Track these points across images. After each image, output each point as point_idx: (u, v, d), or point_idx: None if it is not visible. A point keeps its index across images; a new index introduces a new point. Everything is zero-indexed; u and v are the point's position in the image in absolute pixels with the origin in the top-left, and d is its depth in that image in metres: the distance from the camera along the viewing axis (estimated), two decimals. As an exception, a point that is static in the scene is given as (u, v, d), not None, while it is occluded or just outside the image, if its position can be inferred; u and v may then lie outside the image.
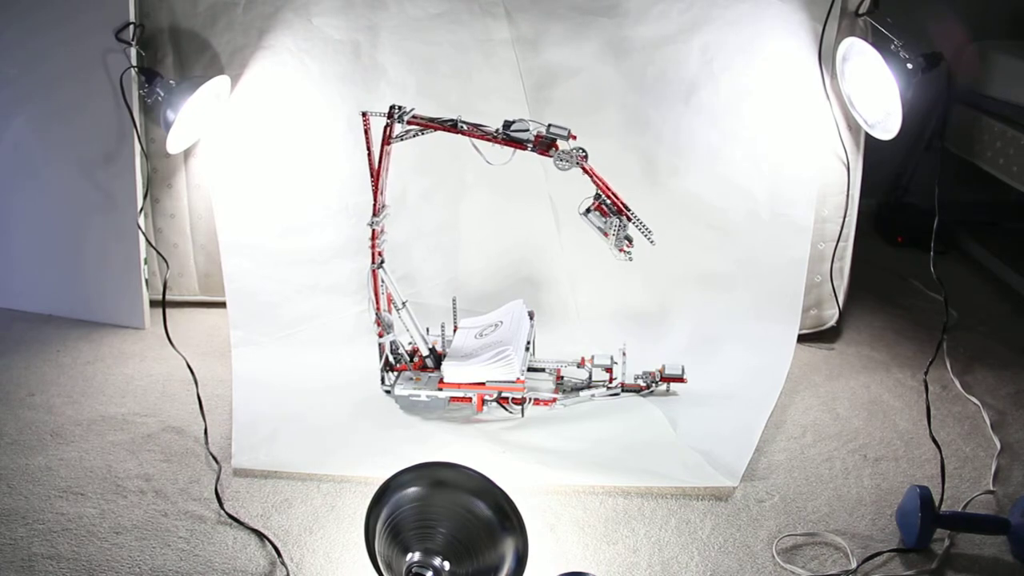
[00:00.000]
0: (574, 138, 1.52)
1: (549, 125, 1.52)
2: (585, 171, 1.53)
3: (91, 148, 2.01)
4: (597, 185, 1.54)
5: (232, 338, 1.91)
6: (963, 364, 1.86)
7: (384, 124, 1.57)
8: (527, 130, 1.53)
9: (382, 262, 1.67)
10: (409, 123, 1.57)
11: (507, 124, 1.54)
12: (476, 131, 1.55)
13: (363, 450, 1.57)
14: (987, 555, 1.30)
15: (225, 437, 1.61)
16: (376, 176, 1.61)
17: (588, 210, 1.55)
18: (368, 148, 1.60)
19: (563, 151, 1.53)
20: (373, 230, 1.64)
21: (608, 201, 1.55)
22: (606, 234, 1.56)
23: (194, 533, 1.36)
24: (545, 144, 1.53)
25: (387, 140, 1.58)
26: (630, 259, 1.57)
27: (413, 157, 1.89)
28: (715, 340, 1.89)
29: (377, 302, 1.68)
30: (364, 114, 1.59)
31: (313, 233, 1.99)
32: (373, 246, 1.65)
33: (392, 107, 1.56)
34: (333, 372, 1.83)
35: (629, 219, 1.54)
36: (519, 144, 1.54)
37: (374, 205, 1.63)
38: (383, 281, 1.68)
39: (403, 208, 1.95)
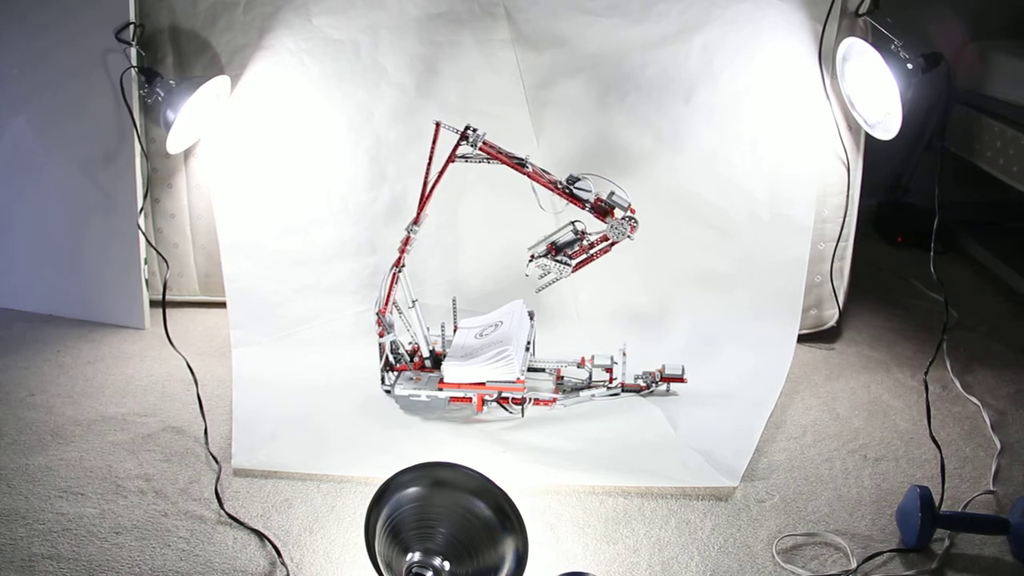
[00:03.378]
0: (633, 211, 1.54)
1: (611, 192, 1.53)
2: (613, 238, 1.55)
3: (91, 148, 2.01)
4: (602, 251, 1.56)
5: (232, 338, 1.91)
6: (963, 364, 1.86)
7: (455, 142, 1.56)
8: (589, 191, 1.55)
9: (403, 267, 1.67)
10: (480, 149, 1.56)
11: (572, 179, 1.55)
12: (541, 177, 1.56)
13: (363, 450, 1.57)
14: (987, 555, 1.30)
15: (225, 437, 1.61)
16: (431, 188, 1.60)
17: (575, 232, 1.57)
18: (430, 158, 1.59)
19: (618, 220, 1.54)
20: (408, 236, 1.64)
21: (587, 256, 1.57)
22: (551, 250, 1.58)
23: (194, 533, 1.36)
24: (603, 210, 1.55)
25: (452, 158, 1.58)
26: (527, 275, 1.61)
27: (414, 157, 1.89)
28: (715, 340, 1.89)
29: (386, 304, 1.68)
30: (437, 124, 1.58)
31: (313, 233, 1.99)
32: (403, 251, 1.65)
33: (467, 127, 1.56)
34: (333, 372, 1.83)
35: (566, 276, 1.58)
36: (577, 201, 1.55)
37: (417, 214, 1.63)
38: (397, 285, 1.67)
39: (403, 208, 1.95)
